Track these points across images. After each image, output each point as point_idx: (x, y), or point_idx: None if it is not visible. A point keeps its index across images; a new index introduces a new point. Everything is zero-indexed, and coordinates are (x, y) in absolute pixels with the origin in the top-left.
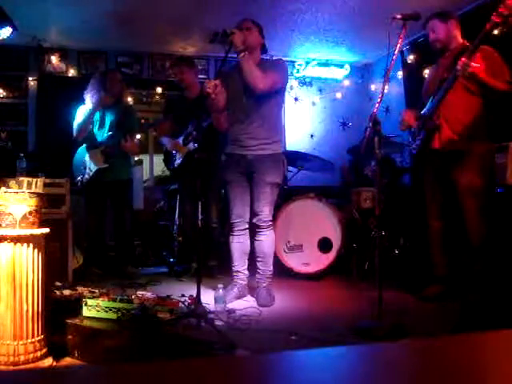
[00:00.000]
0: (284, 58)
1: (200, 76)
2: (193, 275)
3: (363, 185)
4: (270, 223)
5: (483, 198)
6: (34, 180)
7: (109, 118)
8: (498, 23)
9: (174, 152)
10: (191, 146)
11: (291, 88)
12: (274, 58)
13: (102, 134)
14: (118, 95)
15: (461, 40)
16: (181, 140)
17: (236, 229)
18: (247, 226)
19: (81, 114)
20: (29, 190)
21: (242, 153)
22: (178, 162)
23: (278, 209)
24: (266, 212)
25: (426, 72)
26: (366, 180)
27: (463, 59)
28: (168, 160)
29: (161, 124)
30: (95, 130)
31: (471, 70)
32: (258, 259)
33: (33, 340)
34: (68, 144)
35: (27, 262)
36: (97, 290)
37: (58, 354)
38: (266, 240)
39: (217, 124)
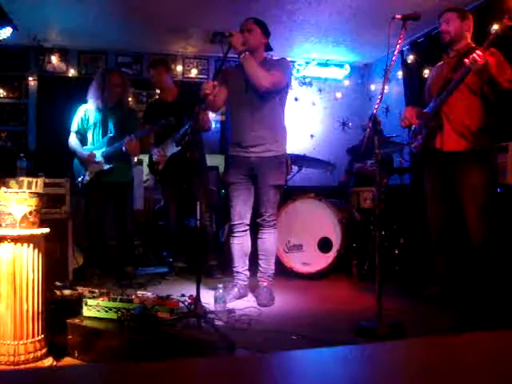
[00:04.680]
0: None
1: (200, 76)
2: (177, 274)
3: (362, 185)
4: (274, 222)
5: (484, 198)
6: (34, 180)
7: (111, 121)
8: (510, 26)
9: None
10: (174, 148)
11: (291, 88)
12: (276, 58)
13: (104, 137)
14: (119, 96)
15: (469, 41)
16: (169, 142)
17: (236, 230)
18: (247, 227)
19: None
20: (29, 190)
21: (245, 155)
22: (160, 167)
23: (278, 209)
24: (270, 212)
25: (426, 72)
26: (364, 180)
27: (478, 52)
28: (152, 164)
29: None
30: (96, 132)
31: (483, 62)
32: (260, 257)
33: (33, 340)
34: (68, 144)
35: (27, 262)
36: (97, 290)
37: (58, 354)
38: (269, 238)
39: (202, 124)
